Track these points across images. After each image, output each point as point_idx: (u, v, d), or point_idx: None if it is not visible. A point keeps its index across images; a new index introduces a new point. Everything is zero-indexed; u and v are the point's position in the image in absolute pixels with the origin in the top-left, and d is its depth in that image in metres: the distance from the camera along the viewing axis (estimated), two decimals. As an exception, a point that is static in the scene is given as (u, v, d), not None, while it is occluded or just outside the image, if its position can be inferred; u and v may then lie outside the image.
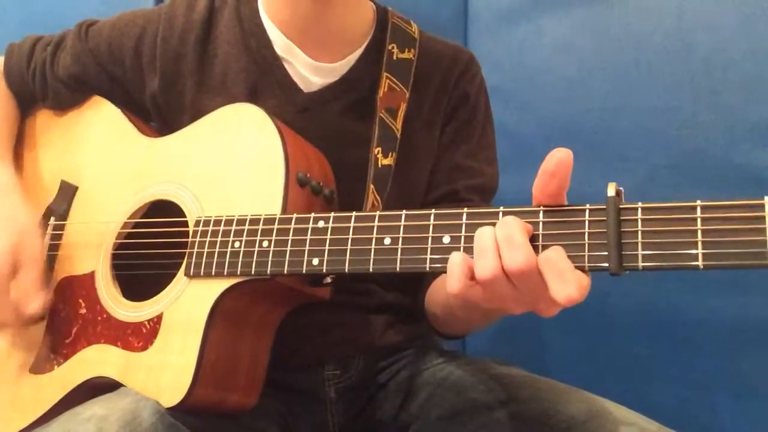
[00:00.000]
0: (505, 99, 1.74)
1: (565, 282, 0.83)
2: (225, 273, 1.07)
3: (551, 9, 1.77)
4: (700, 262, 0.80)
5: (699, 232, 0.81)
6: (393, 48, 1.34)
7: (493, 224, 0.90)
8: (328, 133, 1.29)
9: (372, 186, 1.24)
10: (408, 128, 1.32)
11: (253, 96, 1.30)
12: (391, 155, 1.28)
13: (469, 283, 0.89)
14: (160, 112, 1.35)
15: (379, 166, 1.26)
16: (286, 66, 1.31)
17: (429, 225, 0.95)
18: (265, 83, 1.31)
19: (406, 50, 1.35)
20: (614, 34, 1.69)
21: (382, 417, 1.32)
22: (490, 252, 0.87)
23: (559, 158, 0.87)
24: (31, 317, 1.21)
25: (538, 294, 0.86)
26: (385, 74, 1.32)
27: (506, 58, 1.81)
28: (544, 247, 0.87)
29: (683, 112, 1.59)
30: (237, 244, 1.07)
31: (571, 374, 1.28)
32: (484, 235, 0.89)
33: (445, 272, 0.91)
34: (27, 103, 1.46)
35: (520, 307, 0.90)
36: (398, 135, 1.30)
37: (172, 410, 1.04)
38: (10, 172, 1.34)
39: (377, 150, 1.27)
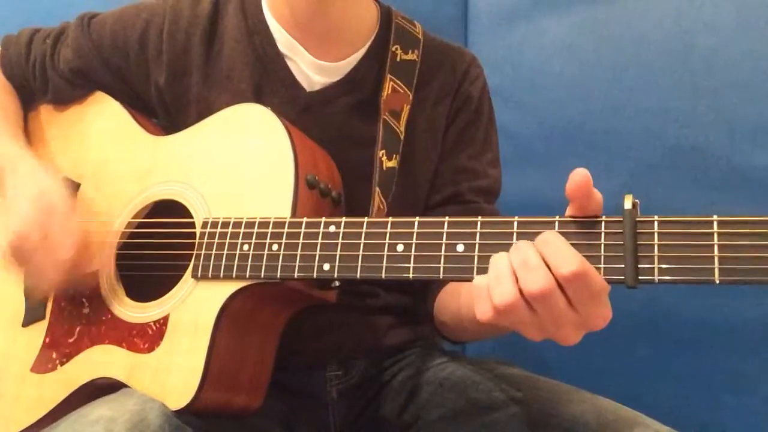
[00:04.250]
0: (505, 99, 1.74)
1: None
2: (233, 276, 1.07)
3: (551, 9, 1.77)
4: (716, 278, 0.80)
5: (716, 247, 0.80)
6: (397, 49, 1.34)
7: (505, 238, 0.90)
8: (330, 132, 1.28)
9: (377, 189, 1.24)
10: (411, 130, 1.32)
11: (258, 93, 1.30)
12: (395, 157, 1.28)
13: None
14: (165, 107, 1.34)
15: (384, 168, 1.26)
16: (289, 64, 1.31)
17: (442, 233, 0.95)
18: (269, 81, 1.31)
19: (410, 52, 1.35)
20: (614, 34, 1.69)
21: (383, 417, 1.33)
22: (506, 278, 0.86)
23: (575, 182, 0.87)
24: (67, 263, 1.17)
25: (560, 320, 0.86)
26: (388, 76, 1.31)
27: (506, 58, 1.81)
28: None
29: (683, 112, 1.60)
30: (246, 247, 1.07)
31: (571, 374, 1.28)
32: (498, 262, 0.88)
33: (458, 280, 0.91)
34: (26, 97, 1.44)
35: (539, 333, 0.88)
36: (402, 137, 1.30)
37: (178, 413, 1.04)
38: (24, 147, 1.32)
39: (381, 152, 1.27)
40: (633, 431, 1.06)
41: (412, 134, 1.32)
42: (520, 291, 0.85)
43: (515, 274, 0.86)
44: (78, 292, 1.23)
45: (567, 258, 0.83)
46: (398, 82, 1.31)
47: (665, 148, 1.60)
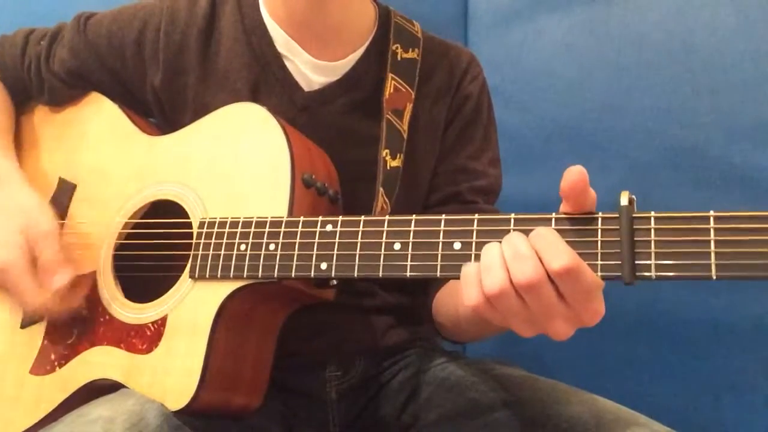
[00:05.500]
0: (505, 99, 1.74)
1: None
2: (231, 275, 1.07)
3: (551, 9, 1.78)
4: (713, 273, 0.80)
5: (712, 243, 0.80)
6: (397, 48, 1.33)
7: (502, 235, 0.90)
8: (329, 132, 1.28)
9: (381, 189, 1.24)
10: (413, 129, 1.31)
11: (255, 93, 1.30)
12: (399, 156, 1.28)
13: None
14: (161, 107, 1.34)
15: (388, 168, 1.26)
16: (287, 64, 1.31)
17: (439, 231, 0.94)
18: (266, 81, 1.30)
19: (411, 50, 1.34)
20: (614, 34, 1.69)
21: (383, 417, 1.33)
22: (496, 266, 0.86)
23: (571, 180, 0.86)
24: (60, 291, 1.17)
25: (550, 312, 0.86)
26: (390, 75, 1.31)
27: (506, 58, 1.82)
28: None
29: (683, 112, 1.59)
30: (243, 247, 1.07)
31: (571, 375, 1.28)
32: (489, 251, 0.88)
33: (456, 278, 0.91)
34: (22, 97, 1.43)
35: (530, 327, 0.89)
36: (405, 136, 1.29)
37: (177, 413, 1.04)
38: (11, 162, 1.32)
39: (385, 152, 1.26)
40: (632, 431, 1.06)
41: (414, 133, 1.32)
42: (510, 280, 0.85)
43: (506, 263, 0.86)
44: (76, 294, 1.23)
45: (559, 253, 0.83)
46: (400, 80, 1.31)
47: (665, 148, 1.60)
